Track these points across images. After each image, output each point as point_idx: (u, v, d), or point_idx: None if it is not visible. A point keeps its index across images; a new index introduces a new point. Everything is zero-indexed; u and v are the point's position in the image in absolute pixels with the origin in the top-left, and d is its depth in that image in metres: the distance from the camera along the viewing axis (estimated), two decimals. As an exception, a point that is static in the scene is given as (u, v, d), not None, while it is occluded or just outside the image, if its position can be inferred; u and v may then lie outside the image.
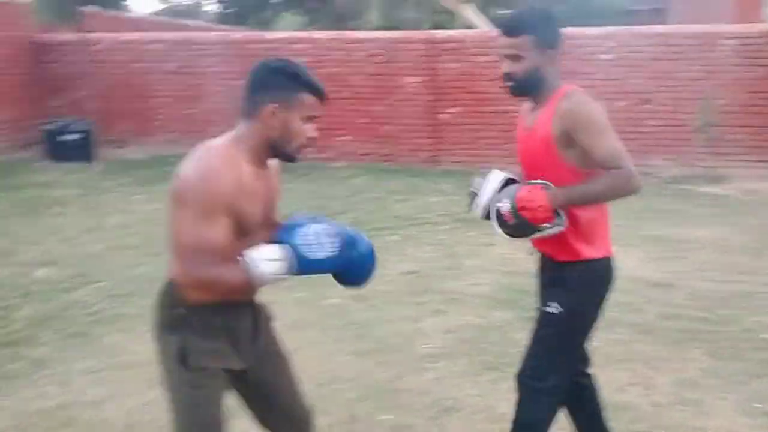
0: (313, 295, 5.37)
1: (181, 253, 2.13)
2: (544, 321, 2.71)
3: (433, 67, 11.25)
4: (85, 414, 3.64)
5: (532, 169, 2.68)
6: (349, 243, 2.21)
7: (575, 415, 2.95)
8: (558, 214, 2.53)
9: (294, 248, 2.10)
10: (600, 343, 4.42)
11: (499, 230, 2.64)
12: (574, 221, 2.60)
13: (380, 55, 11.35)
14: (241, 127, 2.22)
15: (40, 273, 5.84)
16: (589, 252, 2.63)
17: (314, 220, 2.20)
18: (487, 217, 2.70)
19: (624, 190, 2.50)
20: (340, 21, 26.35)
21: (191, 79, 12.02)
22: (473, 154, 11.16)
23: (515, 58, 2.60)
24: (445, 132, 11.30)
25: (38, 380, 4.00)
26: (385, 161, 11.19)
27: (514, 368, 2.91)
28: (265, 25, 29.85)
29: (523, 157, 2.74)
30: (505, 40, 2.62)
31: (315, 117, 2.22)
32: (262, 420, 2.51)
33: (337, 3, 25.99)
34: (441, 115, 11.28)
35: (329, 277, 2.29)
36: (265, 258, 2.09)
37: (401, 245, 6.75)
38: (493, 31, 11.95)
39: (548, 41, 2.61)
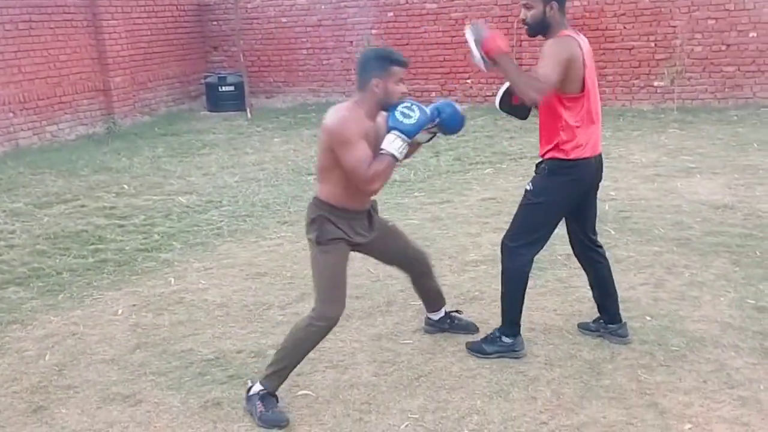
0: (395, 217, 6.17)
1: (349, 173, 3.21)
2: (523, 196, 3.64)
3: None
4: (192, 296, 4.73)
5: None
6: (439, 109, 3.38)
7: (586, 273, 3.89)
8: (488, 61, 3.39)
9: (397, 128, 3.21)
10: (632, 253, 4.95)
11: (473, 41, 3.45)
12: (554, 132, 3.46)
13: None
14: (359, 97, 3.31)
15: (181, 199, 7.10)
16: (556, 154, 3.50)
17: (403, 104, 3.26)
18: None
19: (526, 90, 3.32)
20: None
21: (330, 31, 13.02)
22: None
23: (528, 7, 3.44)
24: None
25: (163, 274, 5.15)
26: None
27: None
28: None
29: None
30: None
31: (402, 79, 3.29)
32: (393, 264, 3.80)
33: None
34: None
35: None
36: (389, 142, 3.21)
37: (492, 177, 7.37)
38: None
39: None
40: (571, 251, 3.91)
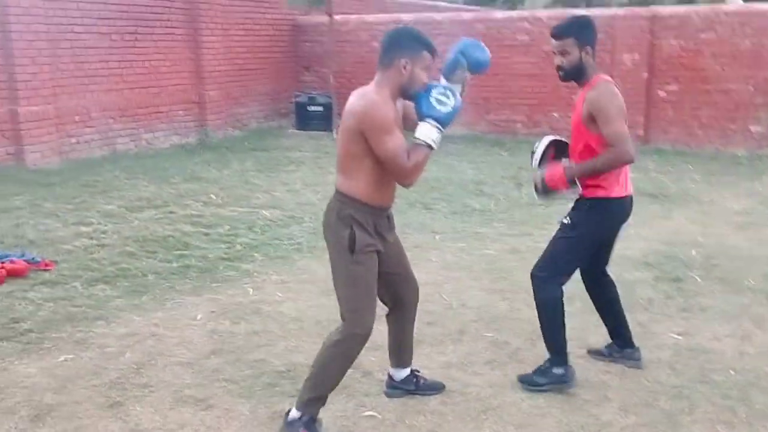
0: (472, 246, 6.16)
1: (387, 163, 2.98)
2: (559, 228, 3.67)
3: (653, 44, 11.26)
4: (268, 307, 4.82)
5: (573, 135, 3.60)
6: (462, 52, 3.07)
7: (595, 302, 3.94)
8: (574, 183, 3.49)
9: (433, 116, 3.02)
10: (718, 303, 4.76)
11: (534, 194, 3.70)
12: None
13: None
14: (381, 76, 3.09)
15: (265, 213, 7.27)
16: (597, 192, 3.54)
17: (434, 87, 3.05)
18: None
19: (618, 162, 3.42)
20: (586, -1, 26.18)
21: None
22: (689, 134, 11.08)
23: (563, 53, 3.49)
24: (661, 110, 11.28)
25: (243, 284, 5.27)
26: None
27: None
28: (515, 4, 30.37)
29: (571, 126, 3.63)
30: (555, 42, 3.53)
31: (429, 67, 3.08)
32: (386, 286, 3.34)
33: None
34: (658, 92, 11.29)
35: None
36: (425, 132, 3.02)
37: (574, 211, 7.23)
38: (727, 7, 11.63)
39: (586, 41, 3.48)
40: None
